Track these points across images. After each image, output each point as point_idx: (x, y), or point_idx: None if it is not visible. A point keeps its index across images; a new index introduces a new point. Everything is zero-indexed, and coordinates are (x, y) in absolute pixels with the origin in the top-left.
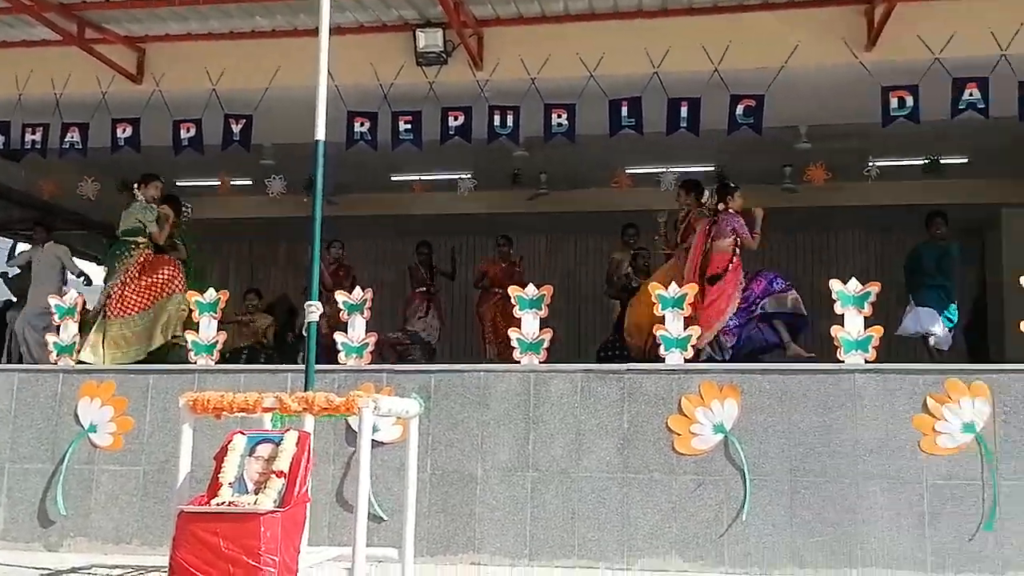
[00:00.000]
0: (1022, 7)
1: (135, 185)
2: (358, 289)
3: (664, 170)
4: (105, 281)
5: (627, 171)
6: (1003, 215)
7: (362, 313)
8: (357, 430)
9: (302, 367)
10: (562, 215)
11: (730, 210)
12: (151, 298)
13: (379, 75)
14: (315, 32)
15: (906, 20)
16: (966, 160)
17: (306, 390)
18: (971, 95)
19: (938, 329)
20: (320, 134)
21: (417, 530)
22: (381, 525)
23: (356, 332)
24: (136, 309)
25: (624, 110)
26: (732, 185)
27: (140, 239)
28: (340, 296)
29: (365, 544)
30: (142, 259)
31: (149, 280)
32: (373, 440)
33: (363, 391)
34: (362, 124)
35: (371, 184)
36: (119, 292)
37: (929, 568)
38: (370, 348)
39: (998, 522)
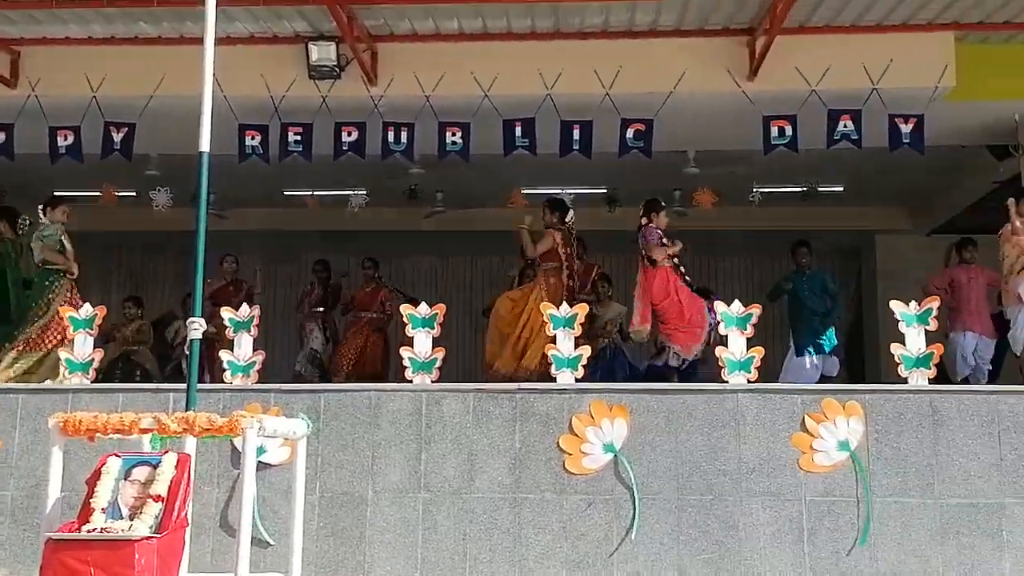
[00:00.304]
0: (892, 44)
1: (41, 208)
2: (245, 306)
3: (559, 191)
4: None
5: (523, 191)
6: (877, 240)
7: (249, 331)
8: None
9: (184, 386)
10: (458, 233)
11: (651, 224)
12: (58, 341)
13: (270, 87)
14: (203, 41)
15: (785, 52)
16: (842, 188)
17: (188, 410)
18: (845, 126)
19: (808, 374)
20: (205, 145)
21: (305, 554)
22: (268, 550)
23: (242, 350)
24: (49, 345)
25: (518, 130)
26: (663, 204)
27: (60, 267)
28: (226, 313)
29: (248, 570)
30: (68, 295)
31: (63, 322)
32: (260, 462)
33: (248, 411)
34: (253, 137)
35: (263, 198)
36: (54, 323)
37: None
38: (257, 367)
39: (872, 537)
